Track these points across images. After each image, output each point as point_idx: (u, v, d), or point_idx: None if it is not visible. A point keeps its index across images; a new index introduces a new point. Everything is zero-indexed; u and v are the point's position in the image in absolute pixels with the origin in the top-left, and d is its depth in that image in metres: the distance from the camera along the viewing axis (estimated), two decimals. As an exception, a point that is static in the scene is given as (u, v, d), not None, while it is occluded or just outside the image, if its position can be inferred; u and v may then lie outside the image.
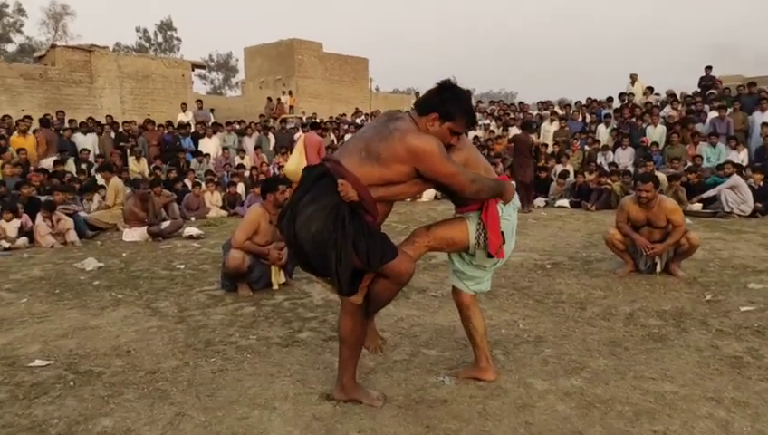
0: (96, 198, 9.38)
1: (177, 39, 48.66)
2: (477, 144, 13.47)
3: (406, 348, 3.53)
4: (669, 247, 5.12)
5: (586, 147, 13.10)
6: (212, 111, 17.98)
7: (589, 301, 4.51)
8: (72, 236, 7.69)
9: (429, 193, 11.30)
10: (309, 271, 2.67)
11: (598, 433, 2.49)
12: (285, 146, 13.50)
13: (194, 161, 12.52)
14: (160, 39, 48.08)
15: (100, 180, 9.82)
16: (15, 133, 11.46)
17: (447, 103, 2.55)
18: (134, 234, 7.93)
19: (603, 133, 13.68)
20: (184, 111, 16.41)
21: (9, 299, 4.89)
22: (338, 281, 2.42)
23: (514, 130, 13.53)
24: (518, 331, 3.84)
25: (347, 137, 13.36)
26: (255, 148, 13.76)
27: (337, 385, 2.82)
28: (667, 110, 14.06)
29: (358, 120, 18.04)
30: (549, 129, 14.44)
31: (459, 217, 2.84)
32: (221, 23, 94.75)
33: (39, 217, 7.61)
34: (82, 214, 8.56)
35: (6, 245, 7.26)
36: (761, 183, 9.51)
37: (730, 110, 12.57)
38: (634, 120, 13.52)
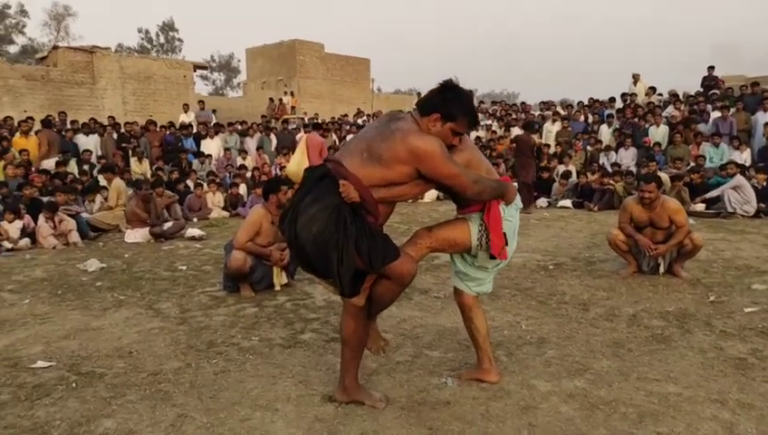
0: (98, 198, 9.39)
1: (179, 40, 48.80)
2: (479, 145, 13.48)
3: (408, 349, 3.52)
4: (672, 248, 5.10)
5: (588, 147, 13.08)
6: (214, 111, 18.00)
7: (592, 302, 4.50)
8: (75, 237, 7.69)
9: (431, 194, 11.29)
10: (310, 272, 2.66)
11: (601, 435, 2.48)
12: (287, 147, 13.51)
13: (196, 162, 12.53)
14: (162, 40, 48.19)
15: (102, 181, 9.83)
16: (18, 134, 11.48)
17: (449, 104, 2.54)
18: (136, 235, 7.93)
19: (606, 133, 13.67)
20: (186, 112, 16.43)
21: (11, 300, 4.89)
22: (339, 282, 2.41)
23: (516, 131, 13.52)
24: (521, 332, 3.82)
25: (349, 137, 13.35)
26: (257, 148, 13.77)
27: (339, 387, 2.81)
28: (670, 110, 14.03)
29: (360, 121, 18.05)
30: (551, 129, 14.43)
31: (461, 218, 2.83)
32: (223, 23, 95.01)
33: (41, 218, 7.61)
34: (85, 215, 8.57)
35: (9, 246, 7.27)
36: (764, 183, 9.48)
37: (733, 110, 12.54)
38: (636, 120, 13.50)
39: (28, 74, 17.98)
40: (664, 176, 9.12)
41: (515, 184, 2.97)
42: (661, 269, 5.20)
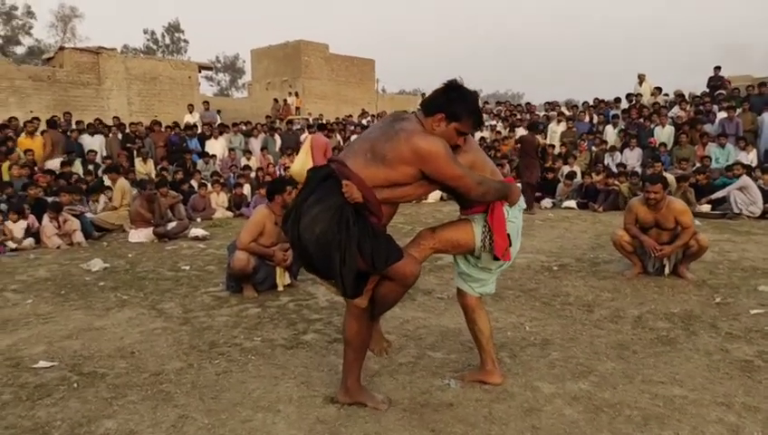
0: (102, 198, 9.40)
1: (185, 41, 48.88)
2: (484, 145, 13.46)
3: (411, 350, 3.50)
4: (678, 249, 5.07)
5: (593, 148, 13.04)
6: (218, 112, 17.99)
7: (596, 303, 4.47)
8: (79, 237, 7.71)
9: (435, 194, 11.27)
10: (313, 273, 2.64)
11: (606, 438, 2.46)
12: (291, 147, 13.51)
13: (200, 162, 12.54)
14: (168, 41, 48.29)
15: (106, 181, 9.85)
16: (23, 135, 11.52)
17: (454, 104, 2.53)
18: (140, 235, 7.94)
19: (611, 134, 13.62)
20: (190, 113, 16.44)
21: (15, 300, 4.90)
22: (342, 283, 2.40)
23: (521, 131, 13.49)
24: (524, 333, 3.80)
25: (353, 138, 13.35)
26: (262, 149, 13.78)
27: (341, 388, 2.79)
28: (676, 110, 13.98)
29: (364, 122, 18.05)
30: (556, 129, 14.39)
31: (465, 219, 2.81)
32: (228, 24, 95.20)
33: (46, 218, 7.63)
34: (89, 215, 8.59)
35: (13, 245, 7.29)
36: (771, 184, 9.42)
37: (739, 110, 12.47)
38: (642, 120, 13.44)
39: (34, 75, 18.05)
40: (669, 176, 9.10)
41: (519, 185, 2.94)
42: (666, 270, 5.16)
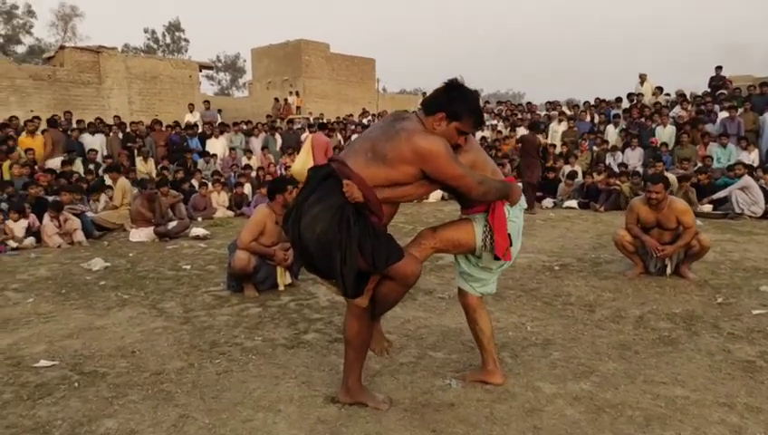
0: (103, 198, 9.40)
1: (185, 40, 48.86)
2: (485, 145, 13.44)
3: (412, 350, 3.49)
4: (680, 249, 5.05)
5: (594, 147, 13.02)
6: (219, 111, 18.00)
7: (598, 303, 4.46)
8: (79, 236, 7.71)
9: (436, 194, 11.26)
10: (314, 272, 2.64)
11: (607, 439, 2.45)
12: (292, 146, 13.49)
13: (201, 162, 12.54)
14: (168, 40, 48.28)
15: (107, 181, 9.85)
16: (24, 134, 11.52)
17: (454, 103, 2.52)
18: (141, 234, 7.94)
19: (612, 134, 13.60)
20: (191, 112, 16.44)
21: (16, 299, 4.90)
22: (343, 283, 2.39)
23: (522, 131, 13.48)
24: (526, 333, 3.79)
25: (354, 137, 13.34)
26: (262, 148, 13.77)
27: (342, 388, 2.78)
28: (677, 110, 13.95)
29: (365, 121, 18.04)
30: (557, 129, 14.37)
31: (466, 219, 2.80)
32: (229, 24, 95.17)
33: (46, 217, 7.63)
34: (90, 214, 8.59)
35: (14, 245, 7.29)
36: (772, 184, 9.40)
37: (741, 110, 12.45)
38: (643, 120, 13.42)
39: (35, 74, 18.05)
40: (671, 176, 9.09)
41: (520, 184, 2.93)
42: (668, 270, 5.15)
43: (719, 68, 15.70)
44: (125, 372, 3.23)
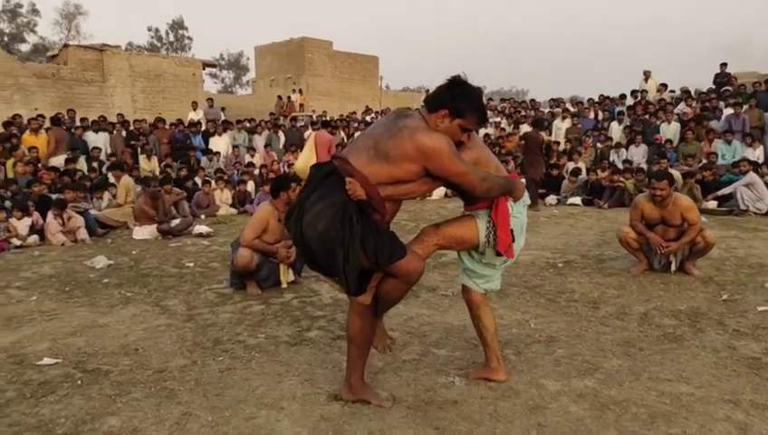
0: (106, 196, 9.42)
1: (189, 38, 48.92)
2: (488, 142, 13.41)
3: (415, 348, 3.48)
4: (684, 246, 5.03)
5: (598, 144, 12.97)
6: (223, 109, 17.98)
7: (602, 300, 4.44)
8: (83, 234, 7.72)
9: (439, 191, 11.23)
10: (316, 270, 2.63)
11: (612, 436, 2.43)
12: (295, 144, 13.49)
13: (204, 159, 12.54)
14: (172, 38, 48.35)
15: (111, 179, 9.86)
16: (27, 132, 11.54)
17: (458, 100, 2.50)
18: (144, 232, 7.95)
19: (616, 130, 13.55)
20: (194, 110, 16.44)
21: (19, 297, 4.91)
22: (345, 280, 2.38)
23: (525, 128, 13.42)
24: (530, 330, 3.78)
25: (357, 135, 13.33)
26: (265, 146, 13.76)
27: (345, 385, 2.78)
28: (682, 107, 13.88)
29: (368, 118, 18.01)
30: (561, 126, 14.32)
31: (469, 215, 2.79)
32: (232, 22, 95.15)
33: (50, 215, 7.65)
34: (93, 212, 8.61)
35: (18, 243, 7.30)
36: (777, 180, 9.35)
37: (746, 106, 12.39)
38: (647, 117, 13.36)
39: (39, 72, 18.08)
40: (675, 173, 9.04)
41: (523, 180, 2.92)
42: (673, 267, 5.13)
43: (724, 65, 15.63)
44: (128, 369, 3.23)
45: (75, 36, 41.24)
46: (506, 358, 3.21)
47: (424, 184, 2.55)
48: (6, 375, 3.17)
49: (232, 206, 10.56)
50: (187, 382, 3.03)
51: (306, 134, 13.82)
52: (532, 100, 18.94)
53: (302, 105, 22.52)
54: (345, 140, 14.01)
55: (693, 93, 15.05)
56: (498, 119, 16.43)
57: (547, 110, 17.10)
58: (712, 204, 9.39)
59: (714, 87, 15.34)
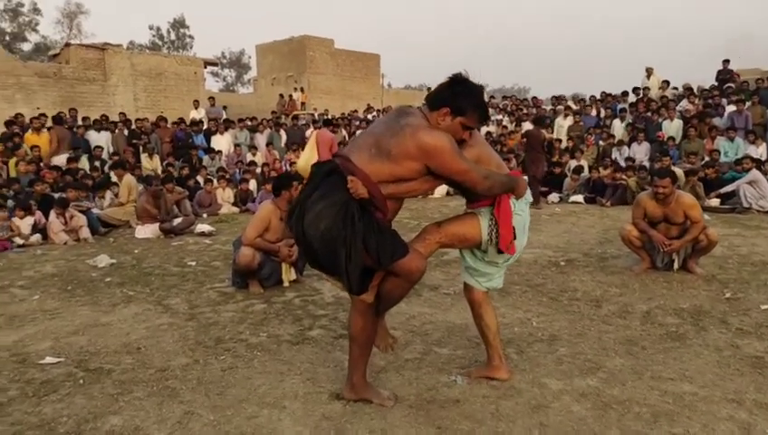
0: (108, 194, 9.43)
1: (190, 37, 48.84)
2: (490, 140, 13.38)
3: (417, 346, 3.48)
4: (687, 244, 5.02)
5: (601, 142, 12.95)
6: (224, 108, 17.97)
7: (604, 298, 4.43)
8: (85, 232, 7.73)
9: (441, 189, 11.22)
10: (318, 269, 2.63)
11: (615, 435, 2.43)
12: (297, 142, 13.50)
13: (206, 158, 12.55)
14: (173, 37, 48.28)
15: (113, 177, 9.88)
16: (29, 131, 11.56)
17: (459, 98, 2.49)
18: (146, 230, 7.95)
19: (618, 128, 13.53)
20: (196, 109, 16.44)
21: (22, 296, 4.91)
22: (347, 279, 2.38)
23: (527, 126, 13.39)
24: (532, 329, 3.77)
25: (358, 133, 13.32)
26: (267, 144, 13.76)
27: (347, 384, 2.77)
28: (684, 104, 13.85)
29: (369, 117, 18.00)
30: (563, 124, 14.29)
31: (471, 213, 2.78)
32: (233, 20, 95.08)
33: (52, 214, 7.65)
34: (95, 211, 8.62)
35: (20, 242, 7.31)
36: (780, 178, 9.32)
37: (748, 103, 12.35)
38: (650, 114, 13.33)
39: (41, 72, 18.08)
40: (678, 171, 9.03)
41: (525, 178, 2.91)
42: (675, 265, 5.11)
43: (726, 61, 15.58)
44: (130, 368, 3.23)
45: (77, 35, 41.27)
46: (508, 357, 3.21)
47: (425, 182, 2.54)
48: (9, 374, 3.17)
49: (234, 204, 10.57)
50: (188, 381, 3.03)
51: (308, 133, 13.82)
52: (534, 97, 18.89)
53: (303, 103, 22.50)
54: (347, 138, 14.01)
55: (695, 90, 15.01)
56: (500, 116, 16.40)
57: (549, 107, 17.06)
58: (714, 202, 9.37)
59: (716, 84, 15.30)
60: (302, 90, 23.55)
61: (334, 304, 4.41)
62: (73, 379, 3.09)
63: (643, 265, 5.22)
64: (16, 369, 3.25)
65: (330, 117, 16.22)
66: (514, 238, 2.69)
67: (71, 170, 10.09)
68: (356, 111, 20.04)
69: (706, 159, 10.89)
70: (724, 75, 15.31)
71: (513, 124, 15.11)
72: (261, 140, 14.10)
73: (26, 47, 41.46)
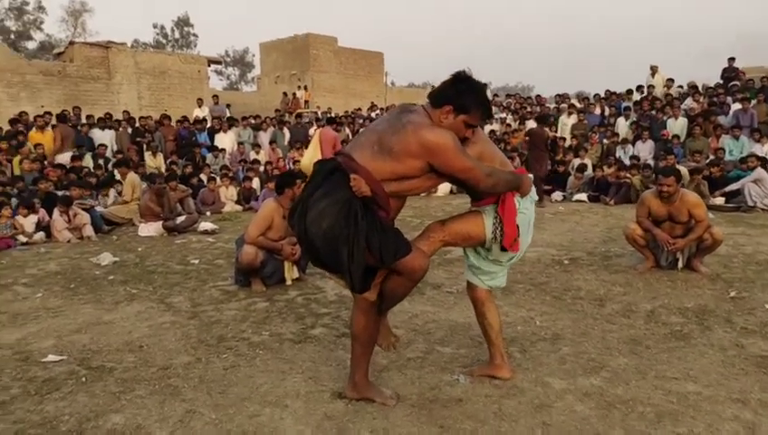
0: (112, 192, 9.44)
1: (194, 35, 48.88)
2: (493, 138, 13.35)
3: (420, 345, 3.47)
4: (692, 243, 4.99)
5: (605, 140, 12.90)
6: (228, 106, 17.99)
7: (608, 297, 4.41)
8: (89, 230, 7.74)
9: (445, 187, 11.19)
10: (321, 267, 2.62)
11: (618, 435, 2.41)
12: (300, 141, 13.50)
13: (209, 156, 12.56)
14: (177, 35, 48.34)
15: (117, 176, 9.90)
16: (34, 129, 11.59)
17: (462, 95, 2.48)
18: (150, 229, 7.96)
19: (622, 126, 13.47)
20: (200, 107, 16.46)
21: (25, 294, 4.92)
22: (350, 277, 2.37)
23: (531, 124, 13.36)
24: (535, 328, 3.75)
25: (361, 131, 13.30)
26: (270, 143, 13.77)
27: (349, 383, 2.76)
28: (689, 102, 13.78)
29: (373, 115, 18.00)
30: (567, 122, 14.24)
31: (475, 211, 2.76)
32: (237, 18, 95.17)
33: (56, 212, 7.67)
34: (99, 209, 8.63)
35: (24, 240, 7.33)
36: (786, 176, 9.26)
37: (754, 101, 12.30)
38: (654, 112, 13.27)
39: (45, 70, 18.14)
40: (683, 169, 8.97)
41: (531, 176, 2.89)
42: (680, 264, 5.09)
43: (732, 59, 15.50)
44: (132, 366, 3.23)
45: (81, 34, 41.36)
46: (511, 356, 3.19)
47: (428, 180, 2.53)
48: (11, 372, 3.18)
49: (237, 203, 10.58)
50: (191, 380, 3.03)
51: (311, 131, 13.81)
52: (538, 95, 18.86)
53: (307, 102, 22.51)
54: (350, 136, 14.00)
55: (700, 88, 14.94)
56: (504, 115, 16.37)
57: (553, 105, 17.02)
58: (719, 200, 9.32)
59: (721, 82, 15.23)
60: (305, 88, 23.56)
61: (337, 303, 4.40)
62: (76, 377, 3.09)
63: (647, 264, 5.20)
64: (19, 367, 3.25)
65: (333, 115, 16.23)
66: (518, 236, 2.68)
67: (74, 168, 10.12)
68: (359, 109, 20.05)
69: (711, 157, 10.83)
70: (730, 73, 15.23)
71: (517, 122, 15.07)
72: (264, 138, 14.10)
73: (31, 45, 41.63)
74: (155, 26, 48.73)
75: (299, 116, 16.85)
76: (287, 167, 12.07)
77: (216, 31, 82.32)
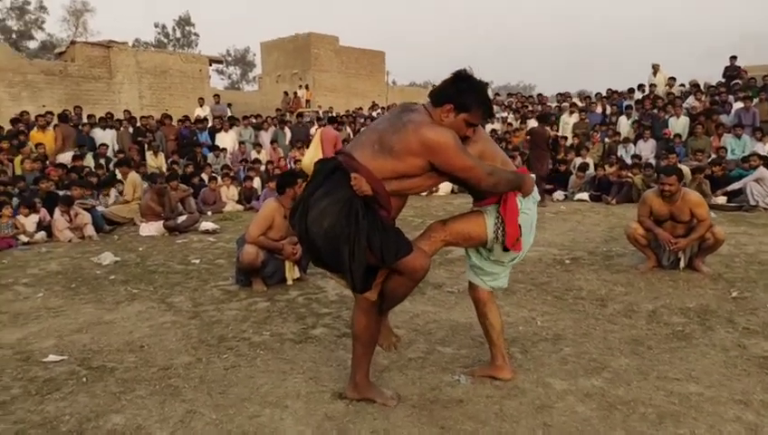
0: (113, 192, 9.45)
1: (195, 34, 48.86)
2: (495, 137, 13.33)
3: (421, 345, 3.46)
4: (693, 242, 4.97)
5: (606, 139, 12.88)
6: (229, 105, 17.99)
7: (609, 297, 4.39)
8: (90, 230, 7.74)
9: (446, 186, 11.20)
10: (322, 267, 2.61)
11: (620, 436, 2.40)
12: (301, 140, 13.49)
13: (210, 156, 12.55)
14: (178, 34, 48.33)
15: (118, 175, 9.90)
16: (35, 129, 11.60)
17: (463, 94, 2.47)
18: (151, 228, 7.96)
19: (624, 125, 13.45)
20: (201, 106, 16.46)
21: (26, 293, 4.92)
22: (351, 277, 2.36)
23: (533, 123, 13.34)
24: (536, 328, 3.74)
25: (362, 130, 13.29)
26: (272, 142, 13.76)
27: (350, 383, 2.76)
28: (691, 100, 13.76)
29: (374, 114, 17.98)
30: (568, 121, 14.22)
31: (477, 211, 2.76)
32: (238, 18, 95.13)
33: (57, 211, 7.67)
34: (100, 208, 8.63)
35: (25, 239, 7.33)
36: (788, 176, 9.23)
37: (756, 100, 12.28)
38: (656, 111, 13.25)
39: (46, 69, 18.15)
40: (684, 168, 8.91)
41: (533, 176, 2.88)
42: (682, 264, 5.07)
43: (734, 58, 15.46)
44: (133, 366, 3.23)
45: (83, 33, 41.40)
46: (512, 356, 3.19)
47: (429, 178, 2.52)
48: (12, 372, 3.18)
49: (238, 202, 10.57)
50: (191, 380, 3.03)
51: (312, 130, 13.80)
52: (540, 94, 18.85)
53: (308, 101, 22.51)
54: (351, 136, 14.00)
55: (702, 87, 14.91)
56: (505, 114, 16.35)
57: (554, 104, 17.00)
58: (721, 199, 9.30)
59: (723, 80, 15.20)
60: (306, 87, 23.56)
61: (338, 303, 4.40)
62: (76, 377, 3.09)
63: (649, 264, 5.18)
64: (20, 367, 3.25)
65: (334, 114, 16.22)
66: (520, 236, 2.67)
67: (76, 168, 10.12)
68: (361, 108, 20.02)
69: (713, 156, 10.82)
70: (732, 72, 15.20)
71: (519, 121, 15.05)
72: (265, 137, 14.10)
73: (32, 45, 41.66)
74: (156, 26, 48.85)
75: (300, 115, 16.86)
76: (288, 166, 12.07)
77: (218, 30, 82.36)
